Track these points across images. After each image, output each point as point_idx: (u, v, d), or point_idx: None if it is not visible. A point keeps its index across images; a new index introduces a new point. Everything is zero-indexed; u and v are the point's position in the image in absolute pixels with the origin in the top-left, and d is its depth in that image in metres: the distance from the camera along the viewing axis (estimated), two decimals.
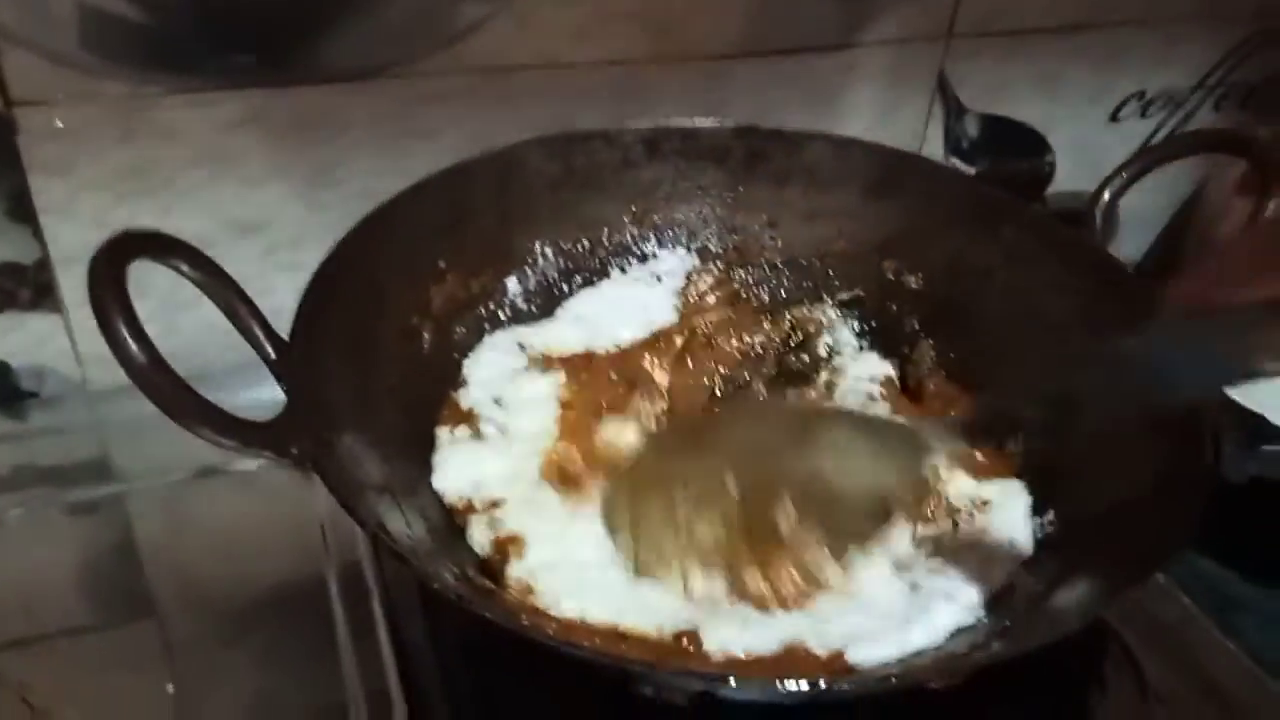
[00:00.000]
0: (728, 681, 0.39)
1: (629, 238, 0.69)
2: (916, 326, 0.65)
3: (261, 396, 0.47)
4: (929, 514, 0.54)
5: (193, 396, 0.40)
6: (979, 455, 0.58)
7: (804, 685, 0.36)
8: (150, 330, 0.41)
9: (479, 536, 0.52)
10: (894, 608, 0.48)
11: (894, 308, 0.66)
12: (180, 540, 0.63)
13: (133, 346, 0.39)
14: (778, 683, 0.36)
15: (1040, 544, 0.53)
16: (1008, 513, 0.55)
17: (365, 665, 0.53)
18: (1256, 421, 0.58)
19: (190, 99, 0.63)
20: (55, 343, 0.69)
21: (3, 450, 0.69)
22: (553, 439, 0.58)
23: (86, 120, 0.62)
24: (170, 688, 0.53)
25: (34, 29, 0.59)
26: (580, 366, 0.63)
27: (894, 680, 0.42)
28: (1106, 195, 0.62)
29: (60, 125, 0.61)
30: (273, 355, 0.47)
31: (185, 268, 0.46)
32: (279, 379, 0.47)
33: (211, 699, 0.52)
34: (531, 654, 0.48)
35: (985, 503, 0.55)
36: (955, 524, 0.54)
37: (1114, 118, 0.91)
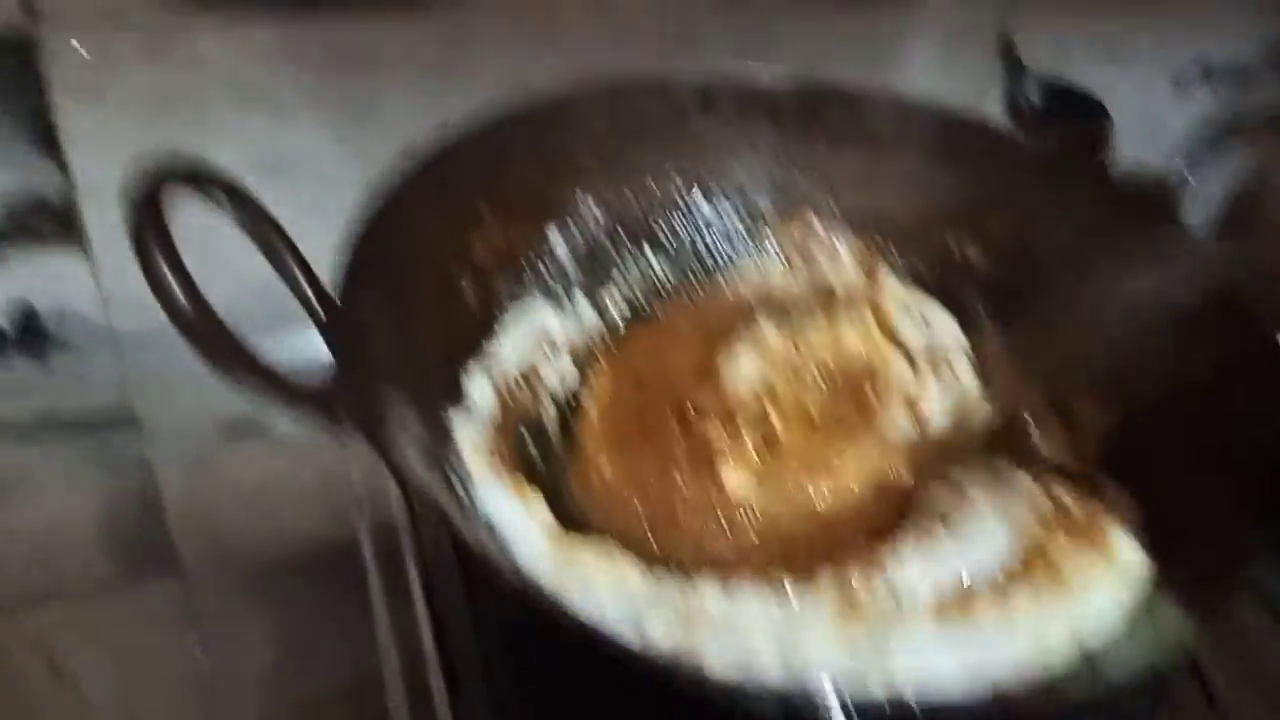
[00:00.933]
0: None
1: (674, 190, 0.66)
2: (979, 307, 0.62)
3: (297, 347, 0.44)
4: None
5: (241, 350, 0.38)
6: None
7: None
8: None
9: None
10: None
11: (956, 284, 0.63)
12: (207, 494, 0.61)
13: (176, 289, 0.37)
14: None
15: None
16: None
17: (400, 631, 0.52)
18: None
19: (222, 25, 0.60)
20: (78, 282, 0.66)
21: (26, 397, 0.66)
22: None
23: (114, 45, 0.59)
24: (197, 650, 0.51)
25: None
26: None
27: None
28: (1186, 171, 0.59)
29: (86, 50, 0.58)
30: (324, 318, 0.44)
31: (229, 204, 0.43)
32: (330, 344, 0.44)
33: (239, 662, 0.51)
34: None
35: None
36: None
37: (1177, 86, 0.87)
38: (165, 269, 0.37)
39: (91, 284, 0.66)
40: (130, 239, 0.37)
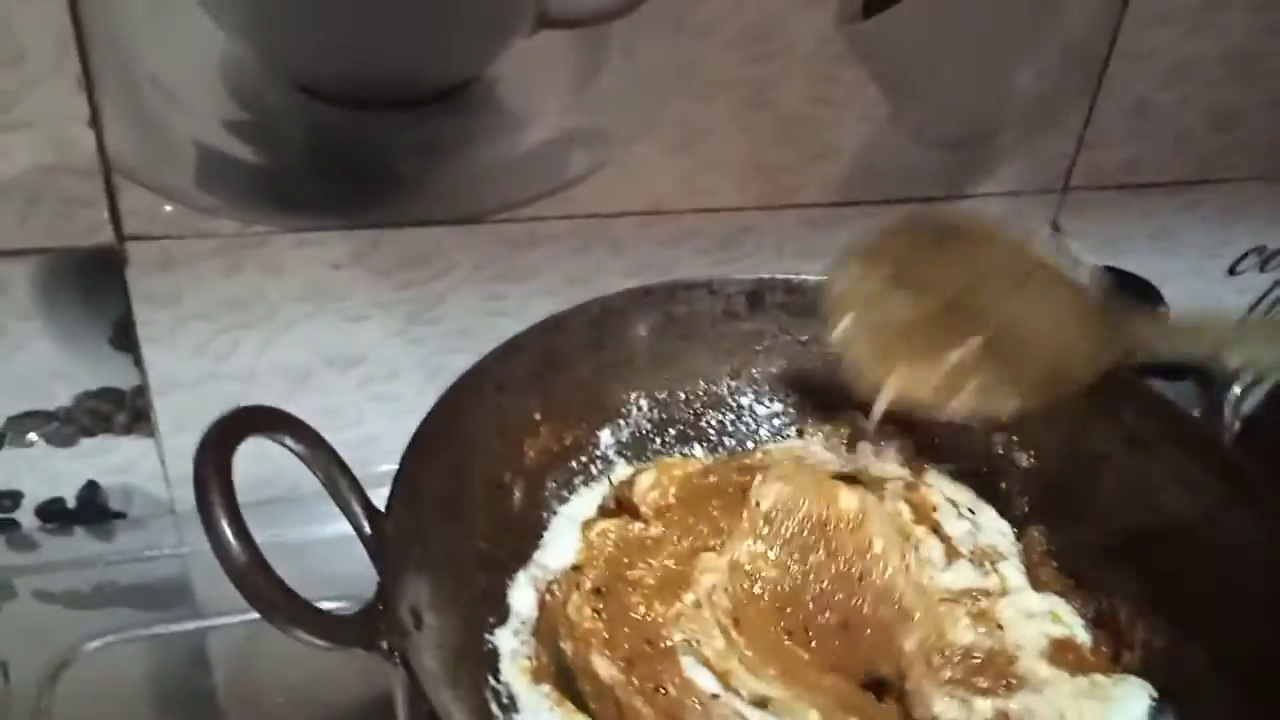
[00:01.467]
0: None
1: (725, 390, 0.67)
2: (1026, 509, 0.62)
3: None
4: None
5: (289, 598, 0.39)
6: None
7: None
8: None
9: None
10: None
11: (1002, 486, 0.63)
12: (257, 685, 0.61)
13: (233, 543, 0.38)
14: None
15: None
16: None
17: None
18: None
19: (300, 237, 0.63)
20: (145, 464, 0.69)
21: (87, 571, 0.68)
22: None
23: (196, 255, 0.62)
24: None
25: (151, 167, 0.59)
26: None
27: None
28: (1238, 389, 0.59)
29: (167, 260, 0.62)
30: (368, 531, 0.46)
31: (290, 441, 0.45)
32: (373, 556, 0.46)
33: None
34: None
35: None
36: None
37: (1232, 272, 0.88)
38: (224, 521, 0.38)
39: (158, 465, 0.69)
40: (195, 489, 0.39)
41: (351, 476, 0.46)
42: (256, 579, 0.38)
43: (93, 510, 0.70)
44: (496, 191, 0.66)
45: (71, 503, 0.70)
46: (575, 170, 0.66)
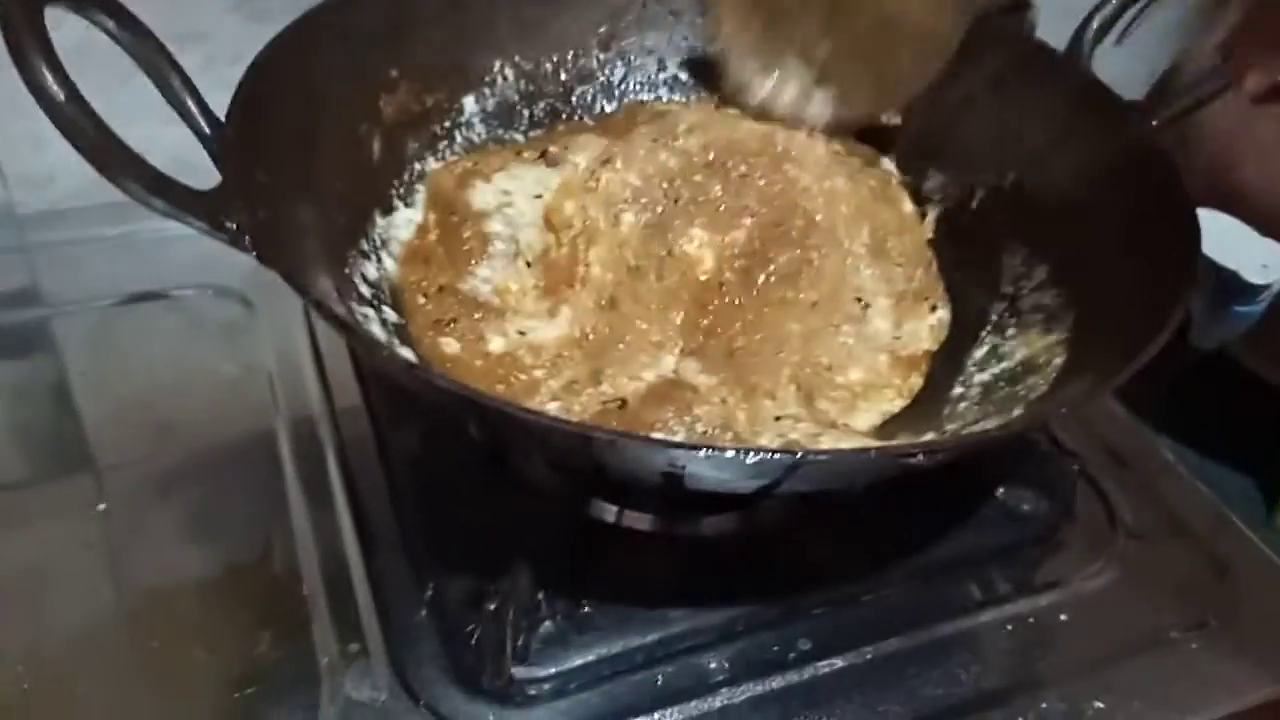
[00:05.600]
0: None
1: (594, 63, 0.65)
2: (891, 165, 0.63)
3: None
4: None
5: (122, 146, 0.36)
6: None
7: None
8: None
9: None
10: None
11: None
12: (115, 379, 0.59)
13: (53, 84, 0.35)
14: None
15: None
16: None
17: (319, 525, 0.51)
18: (1230, 278, 0.57)
19: None
20: None
21: None
22: None
23: None
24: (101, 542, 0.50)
25: None
26: None
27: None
28: (1095, 24, 0.59)
29: None
30: (207, 130, 0.43)
31: (109, 23, 0.41)
32: (213, 156, 0.43)
33: (149, 557, 0.49)
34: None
35: None
36: None
37: None
38: (46, 72, 0.35)
39: None
40: (7, 45, 0.36)
41: (182, 73, 0.43)
42: (82, 120, 0.36)
43: None
44: None
45: None
46: None
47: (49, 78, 0.36)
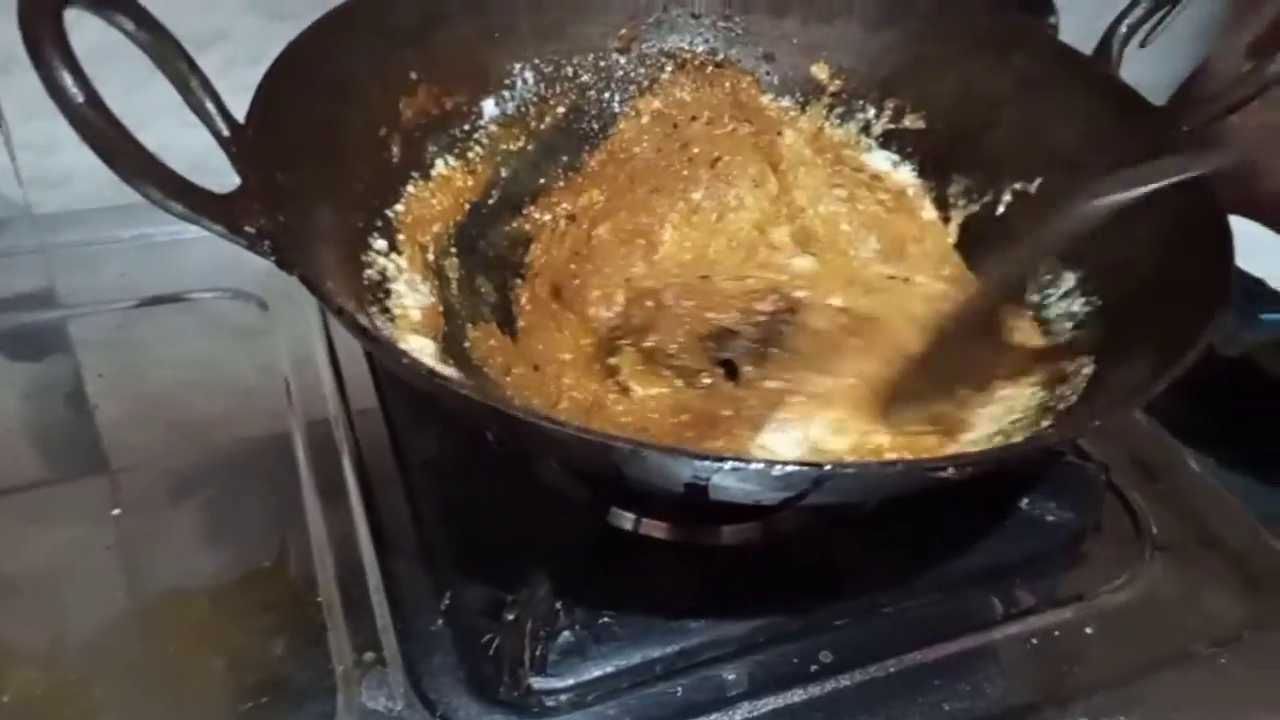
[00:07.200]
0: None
1: (614, 65, 0.65)
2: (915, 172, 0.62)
3: None
4: None
5: (140, 148, 0.36)
6: None
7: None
8: None
9: None
10: None
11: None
12: (131, 382, 0.59)
13: (71, 85, 0.35)
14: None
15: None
16: None
17: (334, 530, 0.50)
18: (1257, 287, 0.56)
19: None
20: None
21: None
22: None
23: None
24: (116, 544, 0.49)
25: None
26: None
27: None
28: (1123, 27, 0.58)
29: None
30: (226, 132, 0.43)
31: (128, 24, 0.41)
32: (232, 158, 0.42)
33: (164, 560, 0.49)
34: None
35: None
36: None
37: None
38: (64, 73, 0.35)
39: (7, 161, 0.63)
40: (25, 46, 0.35)
41: (202, 74, 0.43)
42: (100, 122, 0.35)
43: None
44: None
45: None
46: None
47: (67, 79, 0.35)
